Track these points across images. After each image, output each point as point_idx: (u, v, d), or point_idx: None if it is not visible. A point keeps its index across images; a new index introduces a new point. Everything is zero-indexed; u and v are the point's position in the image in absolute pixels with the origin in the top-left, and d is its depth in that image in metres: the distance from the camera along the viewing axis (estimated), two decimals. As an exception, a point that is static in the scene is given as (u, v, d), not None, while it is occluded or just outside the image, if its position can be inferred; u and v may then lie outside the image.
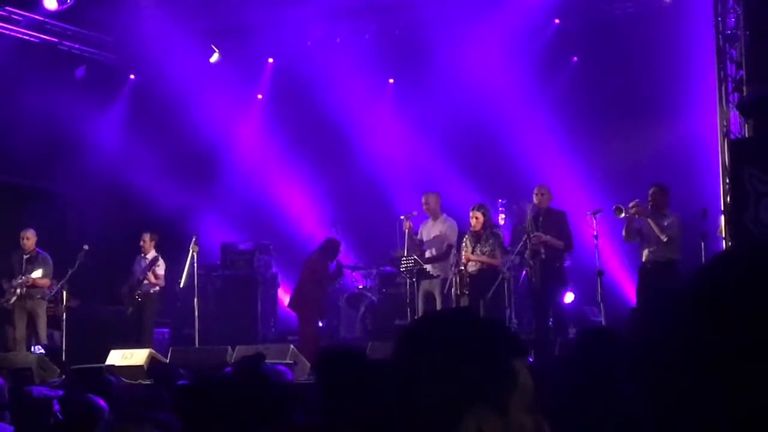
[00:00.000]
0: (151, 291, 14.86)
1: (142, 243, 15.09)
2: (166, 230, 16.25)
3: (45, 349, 13.82)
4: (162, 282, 14.92)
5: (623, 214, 12.33)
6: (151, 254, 15.02)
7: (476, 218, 12.98)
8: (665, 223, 12.06)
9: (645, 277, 12.24)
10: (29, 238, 14.61)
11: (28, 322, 14.57)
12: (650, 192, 12.28)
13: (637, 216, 12.16)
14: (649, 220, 12.05)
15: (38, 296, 14.53)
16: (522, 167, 15.37)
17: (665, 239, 11.98)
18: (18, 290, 14.40)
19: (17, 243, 14.65)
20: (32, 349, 14.09)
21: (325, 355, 4.49)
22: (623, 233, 12.43)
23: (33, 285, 14.48)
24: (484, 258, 12.92)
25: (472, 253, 12.99)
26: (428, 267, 13.45)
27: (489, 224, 13.19)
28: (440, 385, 1.96)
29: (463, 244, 13.14)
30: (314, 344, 13.37)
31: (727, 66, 12.17)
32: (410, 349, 2.06)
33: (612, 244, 14.17)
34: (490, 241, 13.02)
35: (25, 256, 14.58)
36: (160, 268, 14.80)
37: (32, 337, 14.62)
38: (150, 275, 14.74)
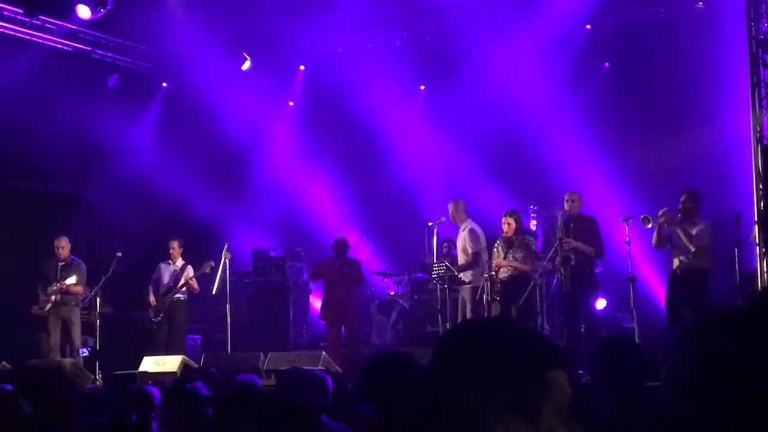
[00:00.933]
0: (182, 298, 14.88)
1: (171, 250, 15.10)
2: (198, 237, 16.29)
3: (90, 353, 13.81)
4: (197, 290, 14.94)
5: (650, 225, 12.16)
6: (180, 262, 15.04)
7: (509, 224, 12.89)
8: (694, 232, 11.85)
9: (674, 285, 12.10)
10: (64, 247, 14.64)
11: (63, 329, 14.59)
12: (681, 199, 12.11)
13: (666, 224, 11.99)
14: (678, 230, 11.85)
15: (72, 303, 14.55)
16: (553, 173, 15.28)
17: (693, 249, 11.78)
18: (53, 297, 14.42)
19: (52, 251, 14.68)
20: (79, 352, 14.11)
21: (376, 361, 4.43)
22: (653, 240, 12.26)
23: (67, 292, 14.50)
24: (516, 264, 12.80)
25: (504, 259, 12.88)
26: (460, 274, 13.36)
27: (521, 230, 13.09)
28: (471, 394, 1.94)
29: (495, 249, 13.03)
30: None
31: (760, 71, 12.05)
32: (444, 357, 2.05)
33: (644, 251, 13.99)
34: (522, 247, 12.90)
35: (60, 264, 14.62)
36: (193, 279, 14.82)
37: (66, 344, 14.64)
38: (192, 282, 14.77)
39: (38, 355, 14.15)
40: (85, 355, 13.93)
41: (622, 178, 15.08)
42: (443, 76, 16.56)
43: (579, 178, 14.68)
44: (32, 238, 16.06)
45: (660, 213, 12.03)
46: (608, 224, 13.25)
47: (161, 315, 14.88)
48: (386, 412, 4.05)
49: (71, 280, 14.43)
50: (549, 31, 15.22)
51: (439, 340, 2.12)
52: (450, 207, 13.86)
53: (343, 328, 14.60)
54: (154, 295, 14.99)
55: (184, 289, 14.86)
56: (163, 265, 15.18)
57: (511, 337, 2.02)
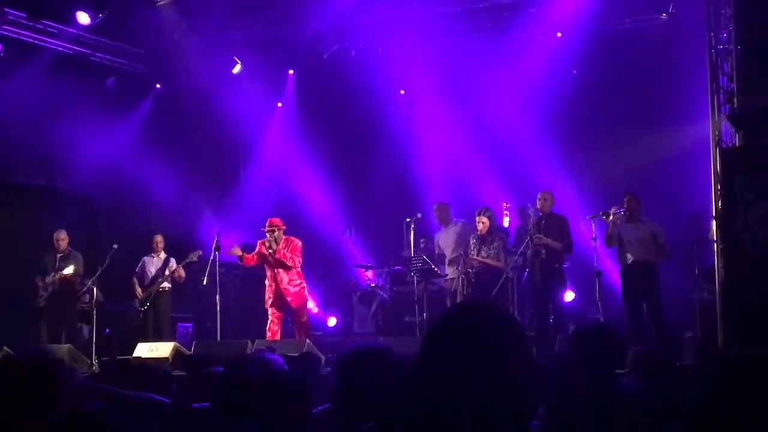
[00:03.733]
0: (166, 288, 15.20)
1: (154, 244, 15.51)
2: (189, 231, 16.48)
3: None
4: (183, 277, 15.25)
5: (610, 218, 12.71)
6: (163, 254, 15.37)
7: (482, 222, 13.14)
8: (647, 231, 12.61)
9: (628, 280, 12.83)
10: (63, 239, 14.86)
11: (61, 318, 14.78)
12: (625, 200, 12.74)
13: (617, 222, 12.59)
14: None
15: (70, 293, 14.73)
16: (526, 173, 15.50)
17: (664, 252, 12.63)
18: (50, 288, 14.62)
19: (51, 243, 14.87)
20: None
21: (347, 355, 4.19)
22: (605, 241, 12.81)
23: (63, 280, 14.68)
24: (489, 261, 13.06)
25: (478, 255, 13.13)
26: (435, 268, 13.64)
27: (494, 228, 13.33)
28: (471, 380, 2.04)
29: (470, 246, 13.27)
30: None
31: (719, 79, 12.20)
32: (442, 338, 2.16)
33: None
34: (495, 243, 13.16)
35: (58, 255, 14.82)
36: (181, 268, 15.10)
37: (63, 331, 14.82)
38: (180, 271, 15.13)
39: (38, 341, 14.33)
40: (107, 334, 14.07)
41: (591, 178, 15.32)
42: (423, 80, 16.73)
43: (550, 177, 14.90)
44: (33, 232, 16.23)
45: (612, 212, 12.61)
46: (576, 222, 13.51)
47: (147, 304, 15.18)
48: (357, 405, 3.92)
49: (69, 269, 14.63)
50: (522, 39, 15.40)
51: (431, 331, 2.23)
52: (438, 208, 14.19)
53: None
54: (140, 287, 15.28)
55: (168, 279, 15.18)
56: (147, 258, 15.52)
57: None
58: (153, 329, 15.06)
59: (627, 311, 12.70)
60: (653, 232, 12.77)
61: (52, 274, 14.69)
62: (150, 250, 15.53)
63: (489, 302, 2.30)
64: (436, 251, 14.45)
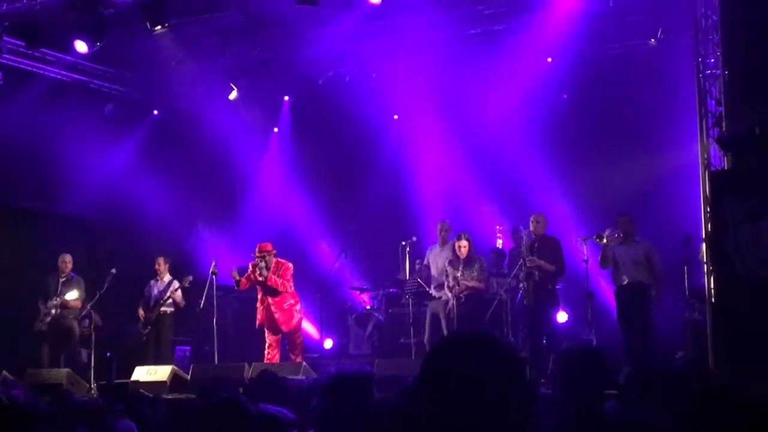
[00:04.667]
0: (168, 311, 15.18)
1: (156, 266, 15.50)
2: (186, 255, 16.53)
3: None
4: (183, 303, 15.23)
5: (604, 241, 12.72)
6: (167, 277, 15.37)
7: (462, 246, 13.22)
8: (641, 252, 12.60)
9: (623, 298, 12.80)
10: (67, 263, 14.95)
11: (62, 341, 14.81)
12: (620, 221, 12.75)
13: (611, 244, 12.63)
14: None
15: (71, 317, 14.77)
16: (519, 196, 15.58)
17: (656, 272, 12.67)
18: (53, 311, 14.65)
19: (54, 266, 14.93)
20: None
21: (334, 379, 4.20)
22: (600, 261, 12.84)
23: (66, 306, 14.72)
24: (470, 283, 13.14)
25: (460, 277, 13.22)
26: (431, 290, 13.67)
27: (473, 251, 13.42)
28: (462, 402, 2.08)
29: (450, 269, 13.34)
30: None
31: (707, 103, 12.29)
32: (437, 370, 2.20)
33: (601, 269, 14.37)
34: (476, 266, 13.24)
35: (60, 279, 14.86)
36: (179, 291, 15.10)
37: (63, 355, 14.84)
38: (177, 295, 15.03)
39: (38, 365, 14.35)
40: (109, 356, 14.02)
41: (582, 201, 15.40)
42: (415, 105, 16.83)
43: (542, 200, 14.97)
44: (32, 256, 16.27)
45: (606, 233, 12.65)
46: (568, 244, 13.57)
47: (149, 327, 15.18)
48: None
49: (72, 295, 14.67)
50: (513, 64, 15.49)
51: (429, 357, 2.26)
52: (445, 227, 14.24)
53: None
54: (144, 310, 15.29)
55: (170, 302, 15.16)
56: (152, 282, 15.53)
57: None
58: (154, 352, 15.07)
59: (622, 331, 12.75)
60: (647, 253, 12.79)
61: (55, 298, 14.72)
62: (153, 273, 15.58)
63: (483, 333, 2.35)
64: (424, 262, 14.45)
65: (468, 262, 13.24)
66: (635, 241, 12.88)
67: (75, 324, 14.89)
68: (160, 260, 15.60)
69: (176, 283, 15.23)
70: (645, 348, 12.36)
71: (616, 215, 13.04)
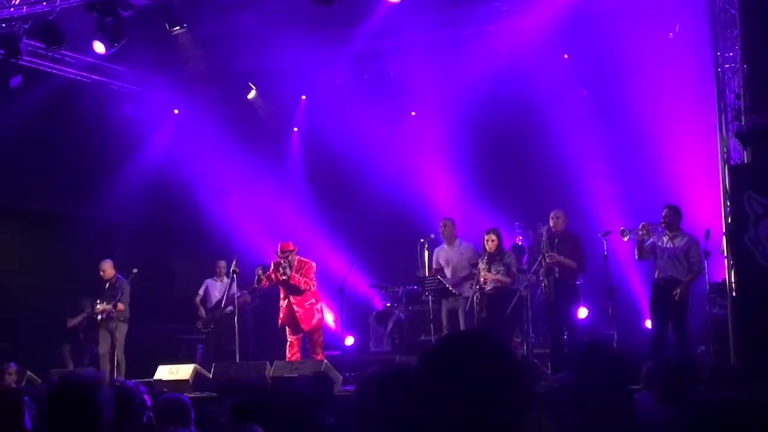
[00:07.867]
0: (228, 312, 15.06)
1: (218, 269, 16.06)
2: (211, 254, 16.67)
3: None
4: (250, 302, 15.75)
5: (627, 237, 12.44)
6: (226, 279, 15.47)
7: (491, 241, 13.11)
8: (681, 244, 12.14)
9: (658, 294, 12.25)
10: (105, 270, 14.99)
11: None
12: (663, 213, 12.29)
13: (647, 236, 12.26)
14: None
15: (121, 319, 14.84)
16: (538, 192, 15.52)
17: (695, 271, 12.12)
18: (99, 317, 14.77)
19: (79, 269, 15.19)
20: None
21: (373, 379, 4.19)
22: (636, 253, 12.45)
23: (117, 310, 14.80)
24: (498, 277, 13.02)
25: (489, 273, 13.09)
26: (450, 287, 13.59)
27: (502, 247, 13.32)
28: (455, 403, 2.08)
29: (479, 265, 13.23)
30: None
31: (726, 96, 12.22)
32: (431, 370, 2.19)
33: (622, 264, 14.26)
34: (504, 261, 13.15)
35: (107, 284, 14.94)
36: (245, 293, 15.29)
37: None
38: (247, 296, 15.39)
39: (61, 366, 14.40)
40: None
41: (602, 196, 15.31)
42: (432, 102, 16.78)
43: (562, 196, 14.88)
44: (52, 258, 16.33)
45: (640, 227, 12.31)
46: (588, 239, 13.48)
47: (211, 326, 15.60)
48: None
49: (122, 304, 14.74)
50: (530, 60, 15.44)
51: (425, 356, 2.24)
52: (448, 224, 14.11)
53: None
54: (204, 310, 15.81)
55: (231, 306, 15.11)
56: (209, 282, 15.90)
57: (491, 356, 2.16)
58: (215, 351, 15.46)
59: (652, 325, 12.46)
60: (687, 248, 12.14)
61: (104, 302, 14.75)
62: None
63: (476, 333, 2.33)
64: (434, 266, 14.33)
65: (496, 256, 13.15)
66: (678, 235, 12.22)
67: (123, 326, 14.92)
68: (222, 263, 15.99)
69: (235, 285, 14.98)
70: (678, 343, 11.93)
71: (663, 206, 12.57)
